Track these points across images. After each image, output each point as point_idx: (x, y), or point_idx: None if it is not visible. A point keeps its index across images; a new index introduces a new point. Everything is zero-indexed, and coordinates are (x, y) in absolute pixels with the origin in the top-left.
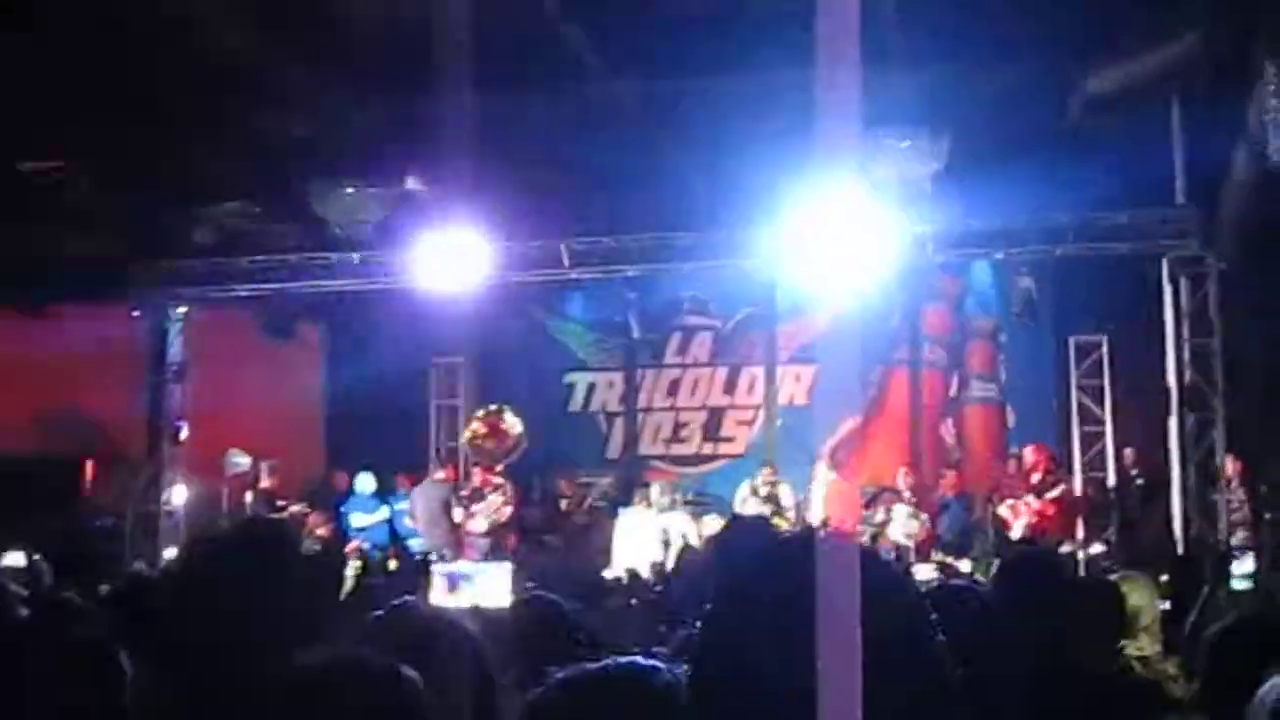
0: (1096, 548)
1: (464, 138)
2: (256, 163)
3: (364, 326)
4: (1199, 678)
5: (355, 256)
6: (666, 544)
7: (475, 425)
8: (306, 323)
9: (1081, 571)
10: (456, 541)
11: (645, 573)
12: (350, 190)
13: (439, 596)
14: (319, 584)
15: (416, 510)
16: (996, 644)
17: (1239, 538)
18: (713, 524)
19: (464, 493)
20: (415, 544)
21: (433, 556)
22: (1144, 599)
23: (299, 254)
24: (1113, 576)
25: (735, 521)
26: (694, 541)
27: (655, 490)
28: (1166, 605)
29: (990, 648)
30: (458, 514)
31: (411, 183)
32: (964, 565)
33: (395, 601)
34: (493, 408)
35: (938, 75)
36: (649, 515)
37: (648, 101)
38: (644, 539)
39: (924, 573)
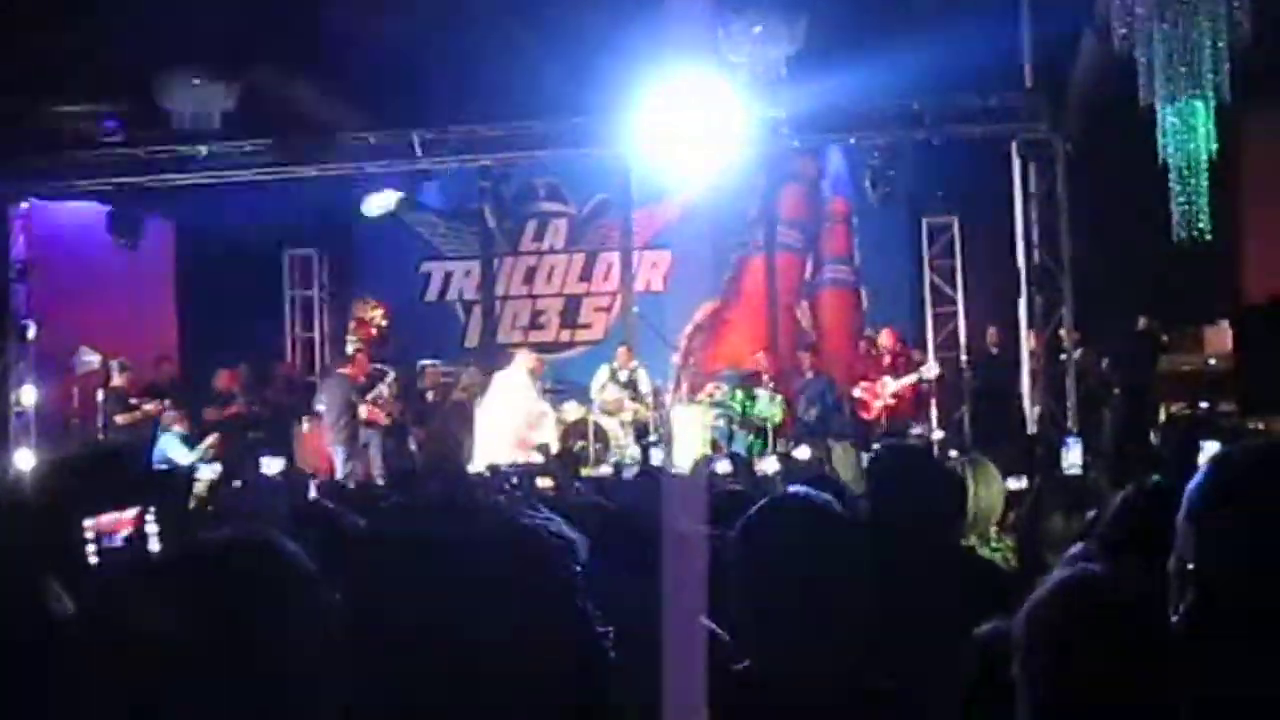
0: (939, 433)
1: (311, 26)
2: (98, 54)
3: (215, 220)
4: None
5: (203, 150)
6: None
7: (363, 320)
8: (157, 218)
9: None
10: (354, 435)
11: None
12: (196, 82)
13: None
14: None
15: (325, 403)
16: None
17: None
18: (572, 411)
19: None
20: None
21: None
22: (991, 488)
23: (144, 148)
24: (954, 455)
25: None
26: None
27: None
28: (1020, 484)
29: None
30: (361, 408)
31: (258, 73)
32: (805, 451)
33: None
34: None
35: None
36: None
37: None
38: (503, 431)
39: (768, 464)
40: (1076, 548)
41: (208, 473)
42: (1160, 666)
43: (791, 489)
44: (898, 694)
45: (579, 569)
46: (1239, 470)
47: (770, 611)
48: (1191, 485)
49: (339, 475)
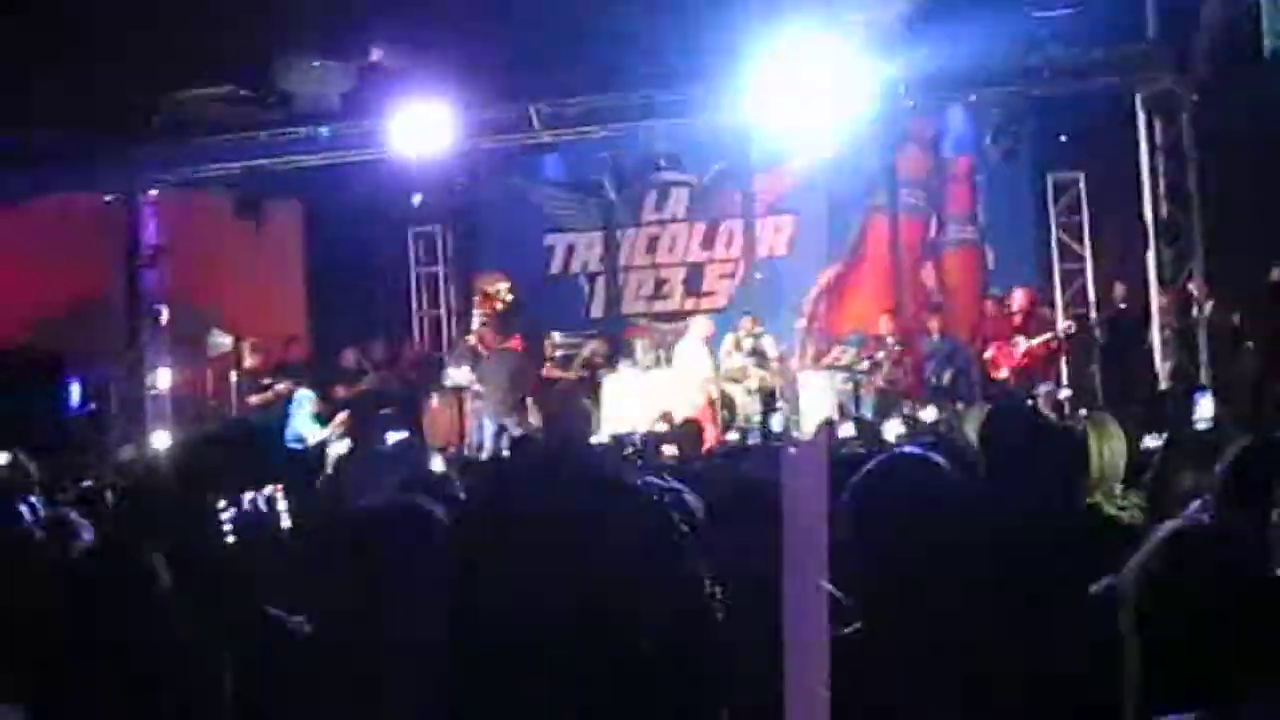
0: (1065, 391)
1: (427, 3)
2: (220, 40)
3: (340, 200)
4: None
5: (324, 130)
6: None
7: (488, 294)
8: (282, 200)
9: (1054, 414)
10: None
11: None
12: (316, 63)
13: None
14: None
15: (494, 378)
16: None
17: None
18: None
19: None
20: None
21: None
22: (1114, 445)
23: (267, 130)
24: (1083, 413)
25: None
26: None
27: (639, 348)
28: (1152, 441)
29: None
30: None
31: (377, 53)
32: (931, 413)
33: None
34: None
35: None
36: (634, 375)
37: None
38: (631, 401)
39: (892, 427)
40: (1197, 502)
41: (338, 449)
42: (1261, 615)
43: (904, 449)
44: (1011, 655)
45: (690, 531)
46: None
47: (878, 573)
48: None
49: (489, 446)
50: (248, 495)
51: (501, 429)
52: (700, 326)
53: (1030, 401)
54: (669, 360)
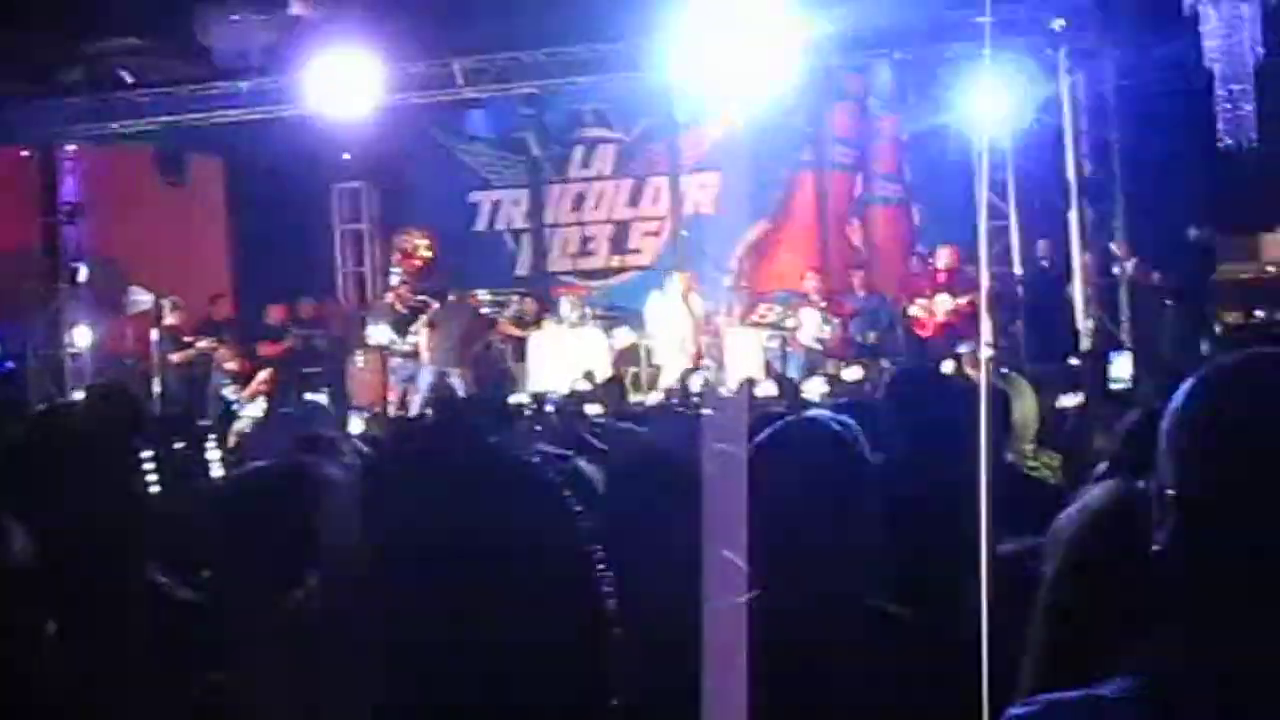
0: (989, 350)
1: None
2: None
3: (262, 156)
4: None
5: (243, 85)
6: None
7: (406, 251)
8: (205, 156)
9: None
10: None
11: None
12: (236, 17)
13: None
14: None
15: (445, 330)
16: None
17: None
18: (623, 337)
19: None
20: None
21: None
22: (1025, 403)
23: (187, 86)
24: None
25: None
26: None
27: (564, 306)
28: (1071, 400)
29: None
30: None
31: (297, 6)
32: (855, 372)
33: None
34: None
35: None
36: (560, 332)
37: None
38: (557, 359)
39: (814, 386)
40: (1102, 467)
41: (252, 410)
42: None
43: (809, 414)
44: (916, 618)
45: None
46: (1215, 386)
47: (773, 537)
48: (1171, 404)
49: (423, 395)
50: (178, 445)
51: (442, 375)
52: (676, 283)
53: (953, 360)
54: (595, 318)
